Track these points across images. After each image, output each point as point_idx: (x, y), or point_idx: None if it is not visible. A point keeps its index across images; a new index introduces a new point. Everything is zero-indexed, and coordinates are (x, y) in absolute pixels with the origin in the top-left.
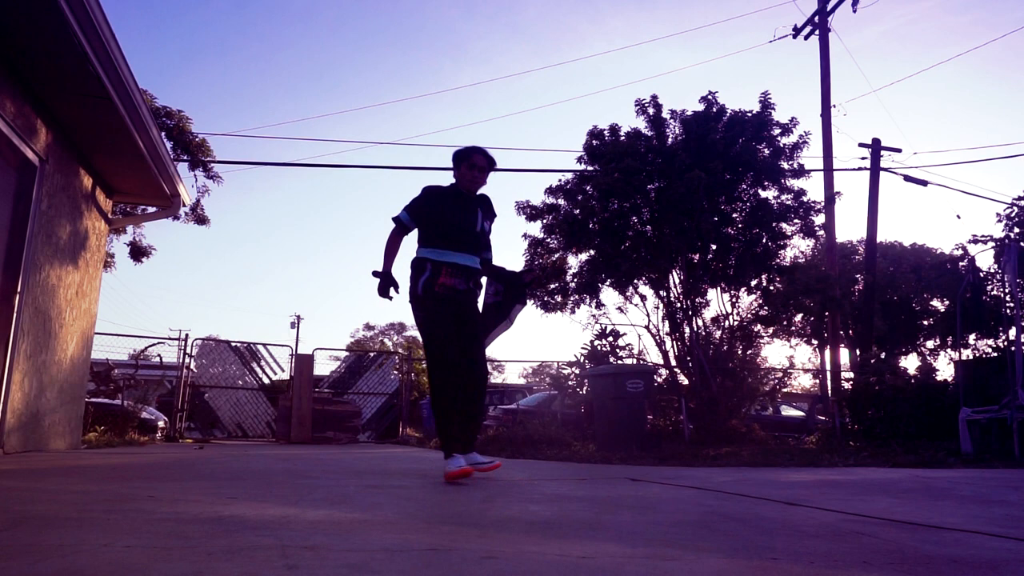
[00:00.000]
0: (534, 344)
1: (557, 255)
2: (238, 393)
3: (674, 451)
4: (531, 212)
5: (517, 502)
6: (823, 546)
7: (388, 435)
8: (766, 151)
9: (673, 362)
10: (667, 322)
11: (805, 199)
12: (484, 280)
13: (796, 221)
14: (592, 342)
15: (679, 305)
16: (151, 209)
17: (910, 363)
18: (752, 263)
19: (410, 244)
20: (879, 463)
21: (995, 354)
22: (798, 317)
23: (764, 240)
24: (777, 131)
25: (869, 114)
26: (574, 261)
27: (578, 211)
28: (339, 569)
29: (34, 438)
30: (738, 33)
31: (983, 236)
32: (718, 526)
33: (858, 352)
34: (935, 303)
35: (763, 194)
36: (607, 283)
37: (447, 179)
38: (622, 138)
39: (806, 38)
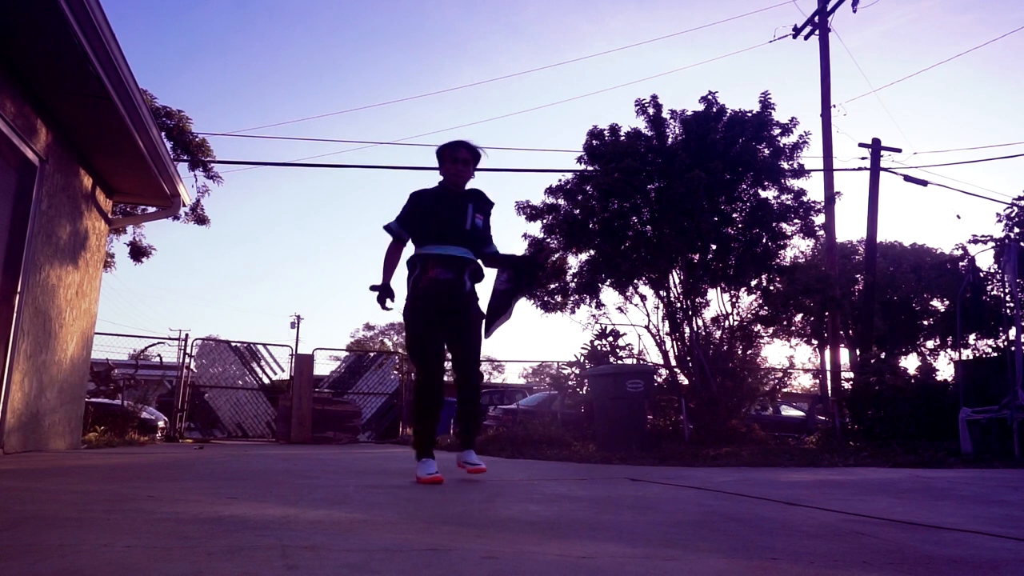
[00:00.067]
0: (534, 344)
1: (557, 255)
2: (238, 393)
3: (674, 451)
4: (531, 212)
5: (517, 502)
6: (823, 546)
7: (388, 435)
8: (766, 151)
9: (673, 362)
10: (667, 322)
11: (805, 199)
12: (492, 271)
13: (796, 221)
14: (592, 342)
15: (679, 305)
16: (151, 209)
17: (910, 363)
18: (752, 263)
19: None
20: (879, 463)
21: (995, 354)
22: (798, 317)
23: (764, 240)
24: (777, 131)
25: (869, 114)
26: (574, 261)
27: (578, 211)
28: (339, 569)
29: (34, 438)
30: (738, 33)
31: (983, 236)
32: (718, 526)
33: (858, 352)
34: (935, 303)
35: (763, 194)
36: (607, 283)
37: None
38: (622, 138)
39: (806, 38)
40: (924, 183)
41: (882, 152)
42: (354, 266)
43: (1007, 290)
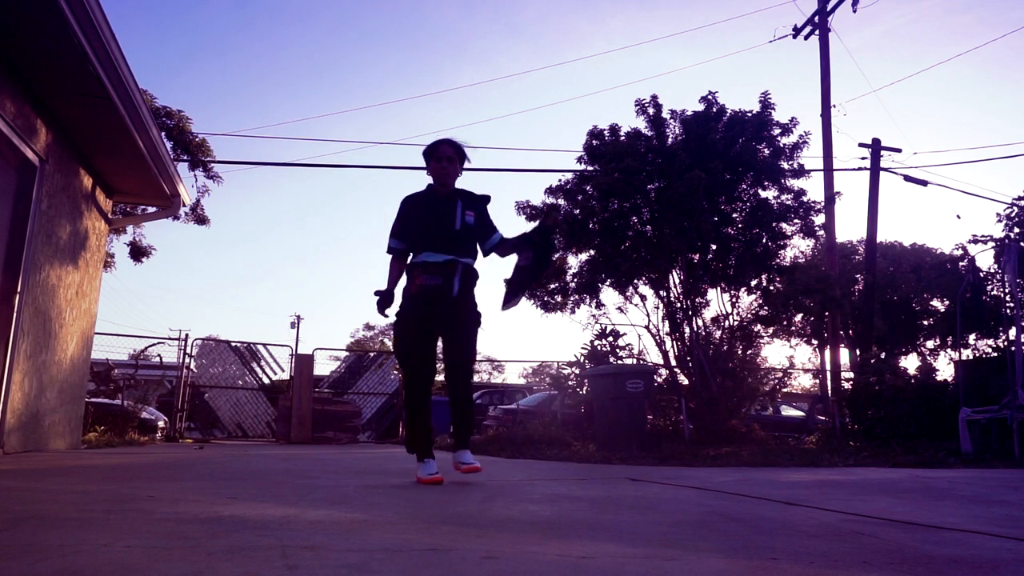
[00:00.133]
0: (534, 344)
1: (557, 255)
2: (238, 393)
3: (674, 451)
4: (531, 212)
5: (517, 502)
6: (823, 546)
7: (388, 435)
8: (766, 151)
9: (673, 362)
10: (667, 322)
11: (805, 199)
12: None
13: (796, 221)
14: (592, 342)
15: (679, 305)
16: (151, 209)
17: (910, 363)
18: (752, 263)
19: None
20: (879, 463)
21: (995, 354)
22: (798, 317)
23: (764, 240)
24: (777, 131)
25: (869, 114)
26: (574, 261)
27: (578, 211)
28: (339, 569)
29: (34, 438)
30: (738, 33)
31: (983, 236)
32: (718, 526)
33: (858, 352)
34: (935, 303)
35: (763, 194)
36: (607, 283)
37: None
38: (622, 138)
39: (806, 38)
40: (924, 183)
41: (882, 152)
42: (354, 266)
43: (1007, 290)
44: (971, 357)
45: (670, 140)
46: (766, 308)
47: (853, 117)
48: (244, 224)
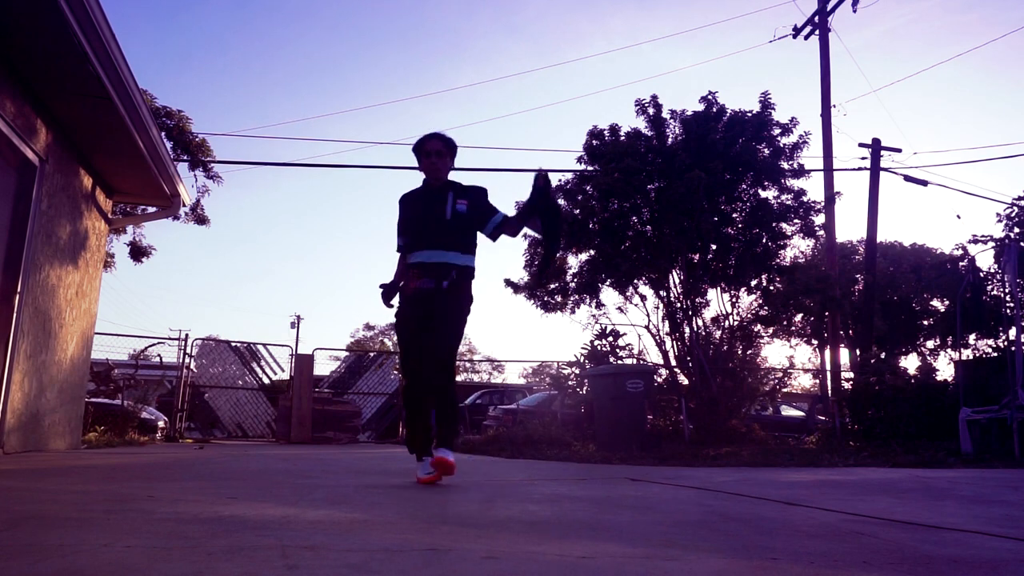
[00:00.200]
0: (534, 344)
1: (557, 255)
2: (238, 393)
3: (674, 451)
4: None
5: (517, 502)
6: (823, 546)
7: (388, 435)
8: (766, 151)
9: (673, 362)
10: (667, 322)
11: (805, 199)
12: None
13: (796, 221)
14: (592, 342)
15: (679, 305)
16: (151, 209)
17: (910, 363)
18: (752, 263)
19: None
20: (879, 463)
21: (995, 354)
22: (798, 317)
23: (764, 240)
24: (777, 131)
25: (869, 114)
26: (574, 261)
27: (578, 211)
28: (339, 569)
29: (34, 438)
30: (738, 33)
31: (983, 236)
32: (718, 526)
33: (858, 352)
34: (935, 303)
35: (763, 194)
36: (607, 283)
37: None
38: (622, 138)
39: (806, 38)
40: (924, 183)
41: (882, 152)
42: (354, 266)
43: (1007, 290)
44: (971, 357)
45: (670, 140)
46: (766, 308)
47: (853, 117)
48: (244, 224)
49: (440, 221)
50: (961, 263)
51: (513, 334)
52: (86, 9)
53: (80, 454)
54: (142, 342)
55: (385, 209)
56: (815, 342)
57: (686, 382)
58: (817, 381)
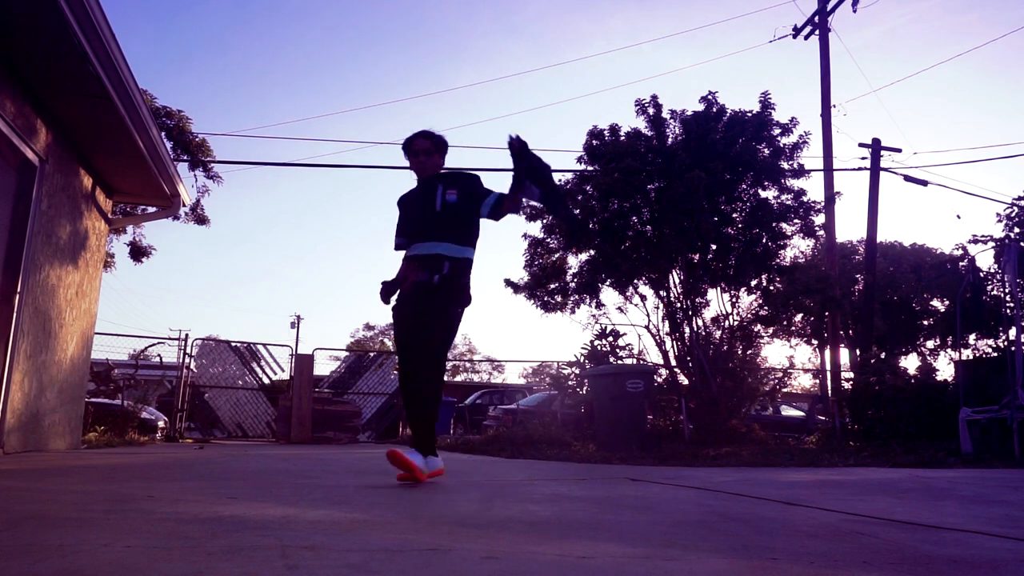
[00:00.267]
0: (534, 344)
1: (557, 255)
2: (238, 393)
3: (674, 451)
4: (531, 212)
5: (517, 502)
6: (823, 546)
7: (388, 435)
8: (766, 151)
9: (673, 362)
10: (667, 322)
11: (805, 199)
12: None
13: (796, 221)
14: (592, 342)
15: (679, 305)
16: (151, 209)
17: (910, 363)
18: (752, 263)
19: None
20: (879, 463)
21: (995, 354)
22: (798, 317)
23: (764, 240)
24: (777, 131)
25: (869, 114)
26: (574, 261)
27: (578, 211)
28: (339, 569)
29: (34, 438)
30: (738, 33)
31: (983, 236)
32: (718, 526)
33: (858, 352)
34: (935, 303)
35: (763, 194)
36: (607, 283)
37: None
38: (622, 138)
39: (806, 38)
40: (924, 183)
41: (882, 152)
42: (354, 266)
43: (1007, 290)
44: (971, 357)
45: (670, 140)
46: (766, 308)
47: (853, 117)
48: (244, 224)
49: (430, 213)
50: (961, 263)
51: (513, 334)
52: (86, 9)
53: (80, 454)
54: (142, 342)
55: (385, 209)
56: (815, 342)
57: (686, 382)
58: (817, 381)
